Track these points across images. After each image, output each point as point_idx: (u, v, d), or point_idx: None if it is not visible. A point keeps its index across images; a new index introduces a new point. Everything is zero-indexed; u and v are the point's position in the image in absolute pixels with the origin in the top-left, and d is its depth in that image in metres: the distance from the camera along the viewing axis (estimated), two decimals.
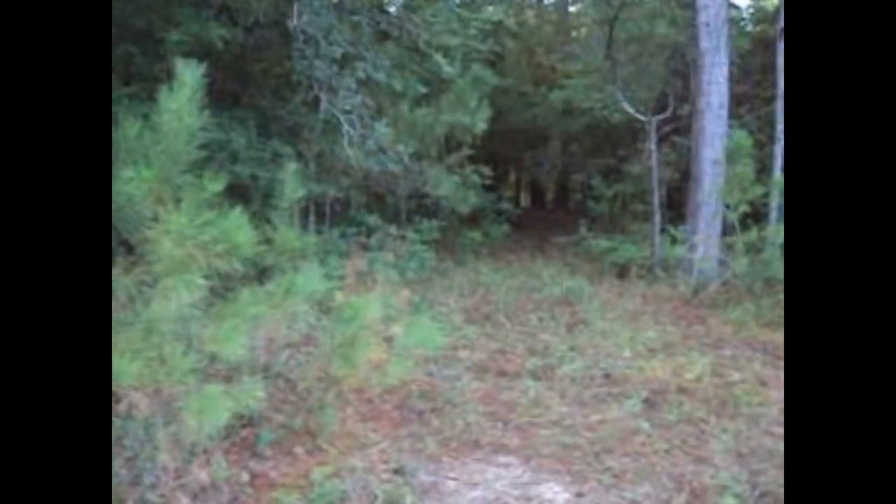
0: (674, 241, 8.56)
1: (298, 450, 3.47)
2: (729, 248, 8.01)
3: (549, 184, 25.80)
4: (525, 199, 29.17)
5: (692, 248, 8.48)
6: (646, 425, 3.95)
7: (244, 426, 3.58)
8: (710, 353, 5.68)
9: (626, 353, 5.65)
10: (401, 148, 6.10)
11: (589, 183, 12.10)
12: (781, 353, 5.77)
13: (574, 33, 17.39)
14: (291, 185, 3.71)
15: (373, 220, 7.94)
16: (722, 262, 8.16)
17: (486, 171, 9.80)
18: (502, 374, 5.11)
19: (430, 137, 6.83)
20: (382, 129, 5.99)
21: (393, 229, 7.16)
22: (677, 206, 11.13)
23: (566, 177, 21.12)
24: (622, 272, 9.58)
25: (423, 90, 7.27)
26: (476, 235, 11.74)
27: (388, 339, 3.98)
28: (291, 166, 3.67)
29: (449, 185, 7.33)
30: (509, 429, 3.97)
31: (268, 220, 3.78)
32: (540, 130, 15.31)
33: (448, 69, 6.52)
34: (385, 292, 5.28)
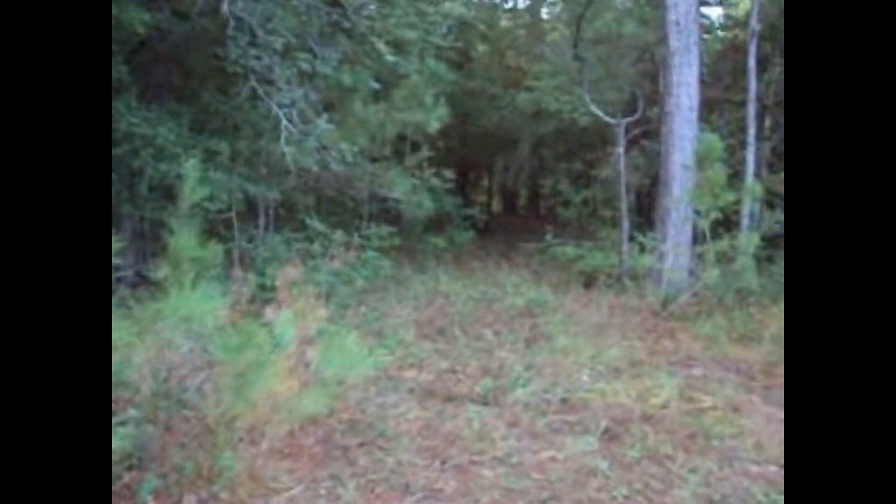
0: (642, 249, 8.11)
1: (190, 499, 2.91)
2: (700, 257, 7.57)
3: (521, 189, 25.43)
4: (497, 204, 28.78)
5: (661, 256, 8.04)
6: (604, 464, 3.45)
7: (129, 469, 3.02)
8: (678, 374, 5.21)
9: (588, 374, 5.16)
10: (343, 146, 5.55)
11: (557, 188, 11.64)
12: (755, 373, 5.33)
13: (549, 38, 17.00)
14: (191, 183, 3.17)
15: (321, 224, 7.37)
16: (692, 272, 7.73)
17: (448, 174, 9.28)
18: (449, 398, 4.58)
19: (382, 136, 6.29)
20: (324, 125, 5.44)
21: (339, 235, 6.61)
22: (647, 212, 10.72)
23: (537, 181, 20.71)
24: (589, 281, 9.13)
25: (376, 86, 6.73)
26: (440, 241, 11.24)
27: (307, 365, 3.45)
28: (189, 162, 3.12)
29: (404, 188, 6.79)
30: (447, 469, 3.44)
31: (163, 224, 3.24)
32: (510, 134, 14.85)
33: (392, 59, 5.98)
34: (311, 306, 4.71)
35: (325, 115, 5.46)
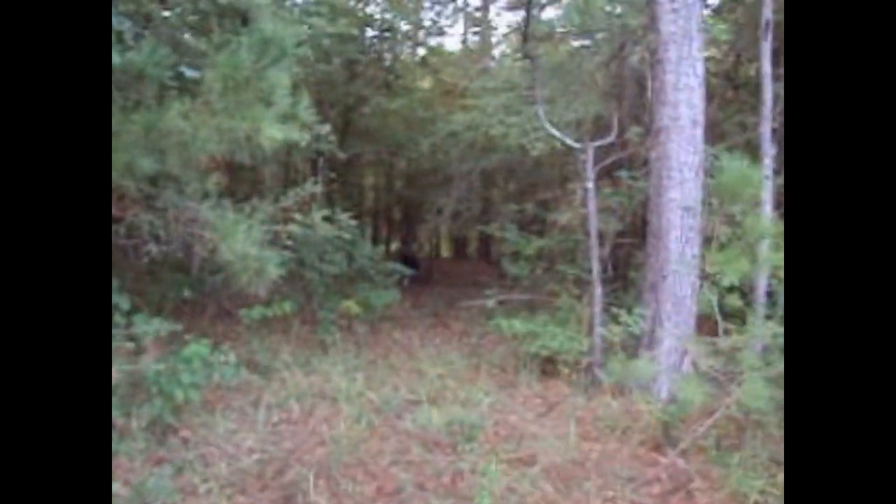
0: (627, 330, 5.44)
1: None
2: (712, 348, 4.89)
3: (470, 231, 22.86)
4: (447, 249, 26.17)
5: (652, 344, 5.38)
6: None
7: None
8: None
9: None
10: None
11: (504, 236, 8.95)
12: None
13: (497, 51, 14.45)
14: None
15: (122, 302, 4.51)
16: (700, 371, 5.05)
17: (345, 217, 6.52)
18: None
19: (183, 157, 3.53)
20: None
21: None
22: (622, 271, 8.10)
23: (486, 224, 18.14)
24: (547, 369, 6.42)
25: (192, 73, 3.99)
26: (351, 306, 8.40)
27: None
28: None
29: (238, 244, 4.00)
30: None
31: None
32: (448, 168, 12.21)
33: None
34: None
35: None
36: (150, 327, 3.84)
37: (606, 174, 7.12)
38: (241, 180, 11.63)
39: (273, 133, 3.55)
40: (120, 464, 3.64)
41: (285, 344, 7.13)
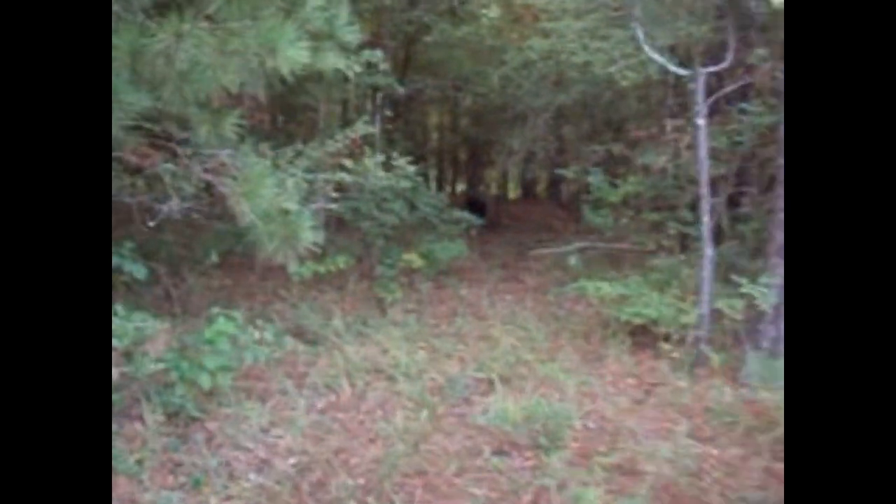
0: (752, 305, 4.42)
1: None
2: None
3: (540, 171, 21.64)
4: (514, 190, 25.06)
5: (778, 320, 4.35)
6: None
7: None
8: None
9: None
10: None
11: (585, 180, 7.85)
12: None
13: None
14: None
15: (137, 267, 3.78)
16: None
17: (402, 162, 5.59)
18: None
19: (197, 90, 2.71)
20: None
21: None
22: (721, 222, 6.93)
23: (561, 166, 16.87)
24: (639, 340, 5.47)
25: None
26: (413, 260, 7.59)
27: None
28: None
29: (269, 201, 3.17)
30: None
31: None
32: (520, 103, 11.03)
33: None
34: None
35: None
36: (130, 324, 3.05)
37: (714, 108, 5.94)
38: (298, 122, 10.83)
39: (292, 54, 2.63)
40: (121, 483, 2.93)
41: (339, 304, 6.38)
